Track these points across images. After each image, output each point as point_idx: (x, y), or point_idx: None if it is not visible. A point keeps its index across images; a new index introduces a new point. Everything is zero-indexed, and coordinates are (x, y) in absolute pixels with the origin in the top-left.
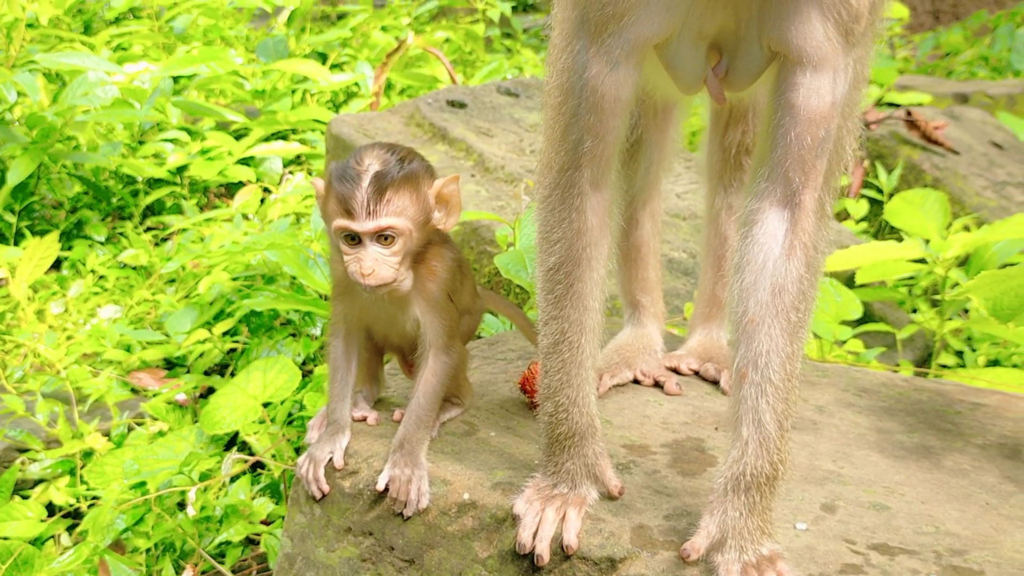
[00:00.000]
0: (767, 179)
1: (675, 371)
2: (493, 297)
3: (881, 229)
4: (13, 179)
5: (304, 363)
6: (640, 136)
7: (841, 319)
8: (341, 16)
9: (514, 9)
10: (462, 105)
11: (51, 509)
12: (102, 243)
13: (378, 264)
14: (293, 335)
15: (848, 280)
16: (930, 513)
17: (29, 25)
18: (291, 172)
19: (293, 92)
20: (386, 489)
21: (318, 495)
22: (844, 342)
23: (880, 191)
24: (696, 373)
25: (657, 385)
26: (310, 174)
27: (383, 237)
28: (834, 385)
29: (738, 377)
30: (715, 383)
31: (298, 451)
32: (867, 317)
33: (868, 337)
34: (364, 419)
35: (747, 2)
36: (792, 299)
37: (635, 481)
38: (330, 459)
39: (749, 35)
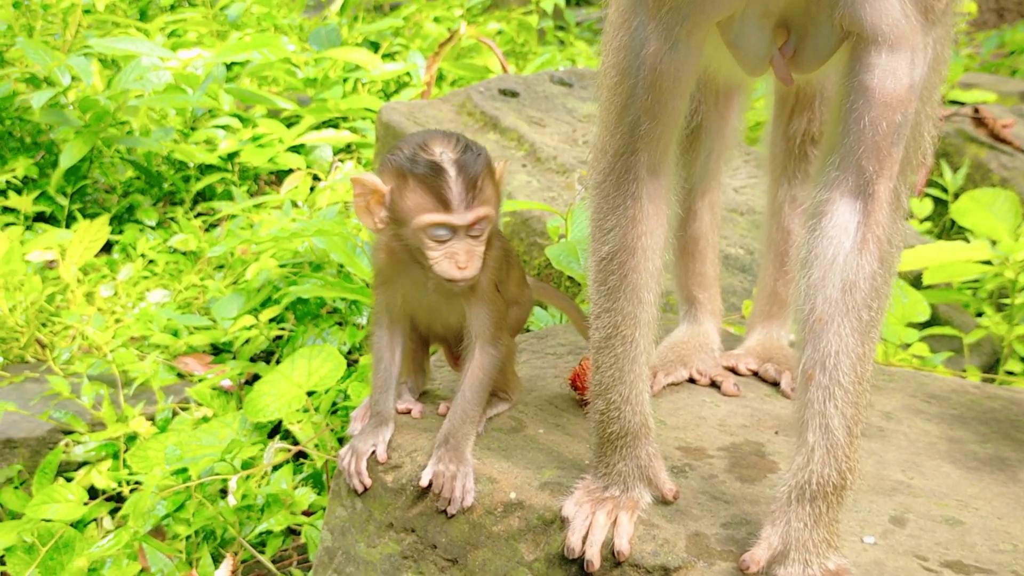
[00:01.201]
0: (838, 168)
1: (733, 371)
2: (544, 288)
3: (945, 229)
4: (66, 162)
5: (349, 352)
6: (700, 122)
7: (907, 321)
8: (394, 7)
9: (567, 2)
10: (514, 94)
11: (93, 492)
12: (152, 227)
13: (471, 255)
14: (339, 324)
15: (913, 281)
16: (1007, 530)
17: (86, 11)
18: (341, 160)
19: (344, 81)
20: (429, 485)
21: (360, 489)
22: (908, 345)
23: (944, 190)
24: (755, 374)
25: (714, 385)
26: (359, 162)
27: (476, 227)
28: (901, 390)
29: (804, 379)
30: (775, 385)
31: (341, 441)
32: (932, 320)
33: (933, 341)
34: (408, 412)
35: None
36: (864, 296)
37: (691, 486)
38: (373, 452)
39: (820, 13)
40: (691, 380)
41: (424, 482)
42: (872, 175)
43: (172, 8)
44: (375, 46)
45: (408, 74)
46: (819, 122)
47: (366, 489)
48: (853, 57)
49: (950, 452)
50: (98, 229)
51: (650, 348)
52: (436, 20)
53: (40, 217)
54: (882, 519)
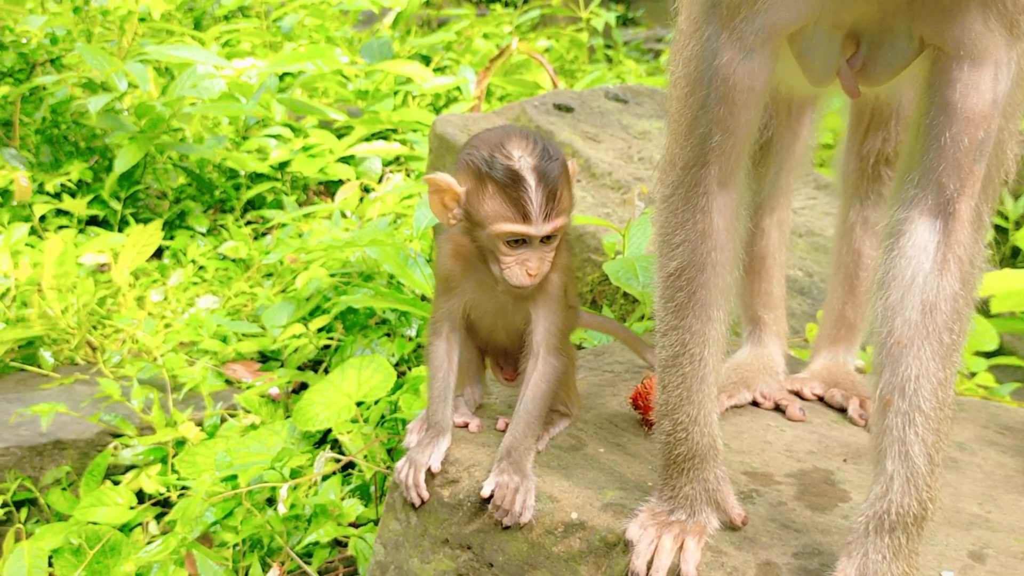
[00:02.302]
0: (917, 185)
1: (798, 395)
2: (587, 316)
3: (1005, 257)
4: (120, 167)
5: (397, 364)
6: (771, 137)
7: (975, 350)
8: (442, 22)
9: (616, 21)
10: (569, 109)
11: (140, 496)
12: (203, 234)
13: (543, 263)
14: (388, 335)
15: (979, 308)
16: None
17: (141, 19)
18: (391, 172)
19: (395, 93)
20: (489, 498)
21: (417, 502)
22: (974, 374)
23: (1005, 217)
24: (820, 399)
25: (778, 409)
26: (408, 175)
27: (549, 237)
28: (973, 421)
29: (882, 405)
30: (842, 411)
31: (390, 452)
32: (998, 349)
33: (997, 371)
34: (466, 425)
35: None
36: (945, 319)
37: (759, 512)
38: (429, 467)
39: (896, 25)
40: (754, 403)
41: (486, 492)
42: (953, 193)
43: (226, 18)
44: (426, 60)
45: (458, 88)
46: (894, 142)
47: (423, 502)
48: (933, 71)
49: None
50: (151, 234)
51: (719, 367)
52: (486, 36)
53: (93, 221)
54: (960, 554)
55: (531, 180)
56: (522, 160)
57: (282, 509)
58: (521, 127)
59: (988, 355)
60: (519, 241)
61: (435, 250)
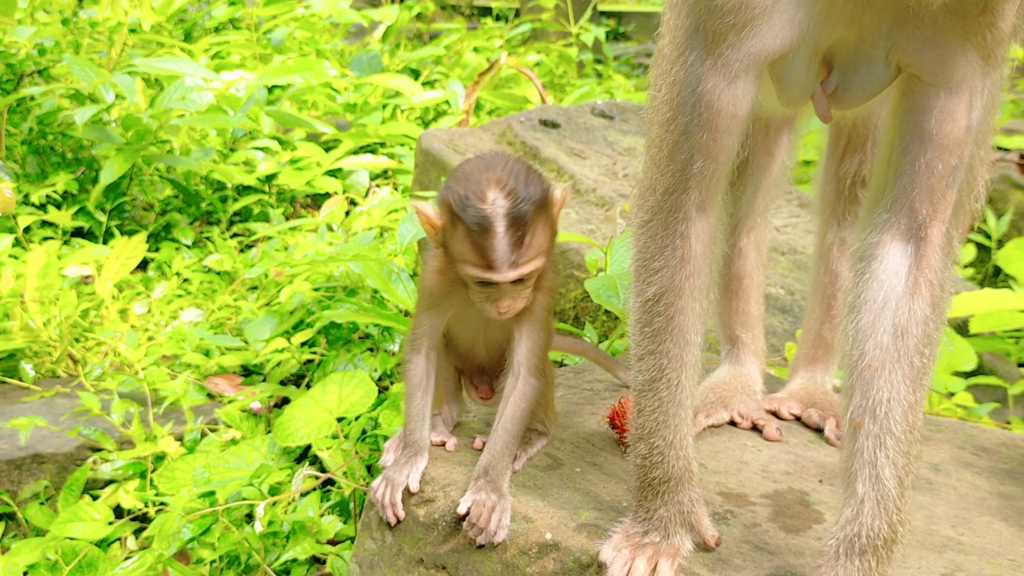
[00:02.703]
0: (890, 210)
1: (775, 415)
2: (558, 339)
3: (988, 276)
4: (106, 178)
5: (380, 379)
6: (747, 157)
7: (953, 369)
8: (434, 36)
9: (607, 37)
10: (555, 125)
11: (119, 511)
12: (188, 246)
13: (514, 301)
14: (371, 350)
15: (958, 328)
16: None
17: (131, 30)
18: (378, 185)
19: (384, 107)
20: (464, 517)
21: (393, 521)
22: (953, 394)
23: (988, 236)
24: (798, 419)
25: (755, 429)
26: (396, 189)
27: (521, 280)
28: (949, 441)
29: (852, 427)
30: (819, 431)
31: (370, 469)
32: (977, 369)
33: (976, 390)
34: (443, 444)
35: (876, 18)
36: (916, 342)
37: (733, 534)
38: (407, 487)
39: (873, 51)
40: (732, 423)
41: (462, 509)
42: (925, 218)
43: (216, 30)
44: (415, 74)
45: (447, 102)
46: (870, 164)
47: (399, 521)
48: (908, 97)
49: (1001, 508)
50: (135, 246)
51: (695, 391)
52: (476, 50)
53: (78, 232)
54: None
55: (499, 228)
56: (494, 204)
57: (259, 527)
58: (506, 159)
59: (967, 375)
60: (486, 284)
61: (420, 265)
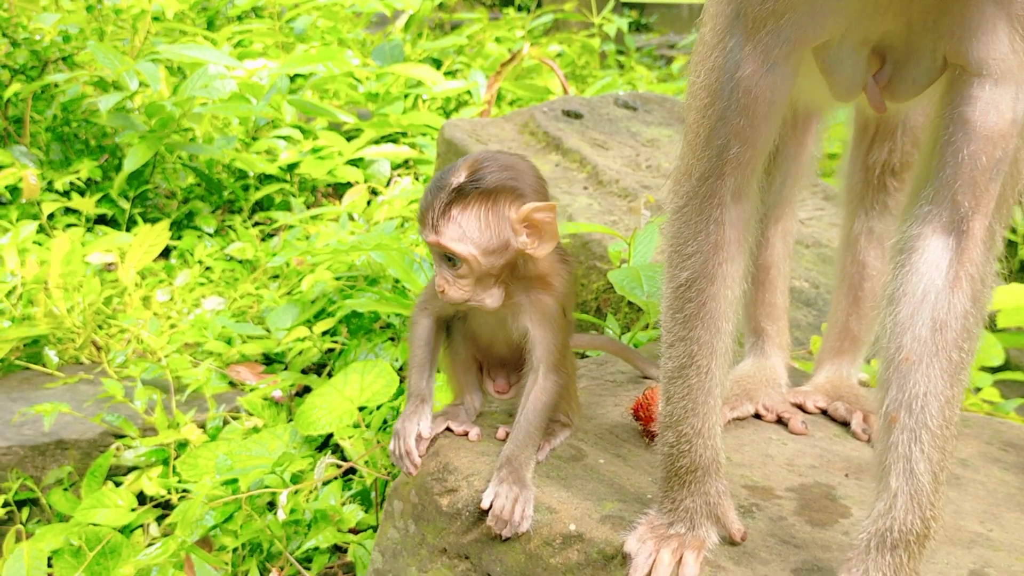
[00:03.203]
0: (931, 202)
1: (800, 408)
2: (578, 337)
3: (1013, 272)
4: (130, 166)
5: (400, 368)
6: (777, 147)
7: (981, 365)
8: (455, 26)
9: (629, 27)
10: (578, 116)
11: (141, 498)
12: (211, 235)
13: (448, 284)
14: (392, 339)
15: (985, 323)
16: None
17: (155, 18)
18: (399, 175)
19: (405, 97)
20: (487, 510)
21: (413, 471)
22: (979, 389)
23: (1015, 231)
24: (824, 412)
25: (780, 422)
26: (417, 178)
27: (447, 258)
28: (977, 437)
29: (887, 421)
30: (845, 424)
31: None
32: (1004, 364)
33: (1003, 386)
34: (465, 434)
35: (924, 8)
36: (955, 337)
37: (758, 527)
38: (418, 433)
39: (922, 43)
40: (757, 416)
41: (486, 503)
42: (968, 211)
43: (239, 19)
44: (437, 63)
45: (469, 92)
46: (900, 153)
47: (418, 470)
48: (953, 88)
49: None
50: (158, 234)
51: (724, 380)
52: (497, 40)
53: (101, 219)
54: (961, 572)
55: (441, 192)
56: (458, 176)
57: (282, 515)
58: (499, 153)
59: (994, 370)
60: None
61: None
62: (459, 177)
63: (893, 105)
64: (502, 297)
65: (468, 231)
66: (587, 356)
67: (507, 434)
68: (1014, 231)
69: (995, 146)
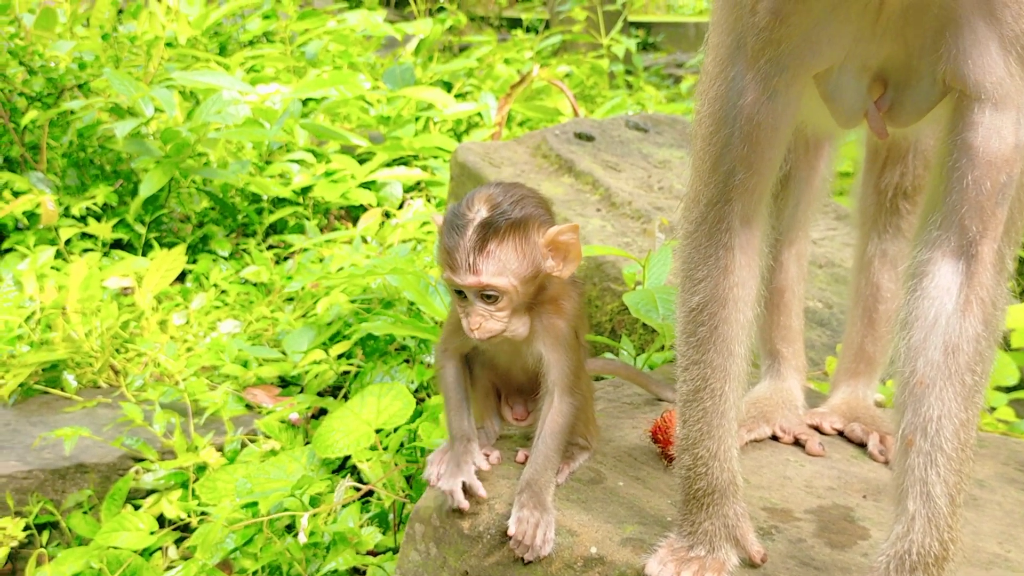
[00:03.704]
0: (940, 227)
1: (817, 430)
2: (590, 362)
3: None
4: (146, 191)
5: (416, 391)
6: (789, 172)
7: (995, 384)
8: (463, 48)
9: (636, 47)
10: (590, 138)
11: (161, 521)
12: (225, 258)
13: (485, 320)
14: (407, 361)
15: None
16: None
17: (168, 44)
18: (411, 197)
19: (417, 119)
20: (508, 534)
21: (466, 506)
22: (993, 409)
23: None
24: (840, 433)
25: (797, 444)
26: (429, 200)
27: (486, 296)
28: (993, 457)
29: (903, 444)
30: (862, 446)
31: (409, 481)
32: (1018, 384)
33: (1018, 405)
34: (487, 456)
35: (919, 33)
36: (968, 360)
37: (778, 549)
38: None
39: (921, 67)
40: (774, 437)
41: (511, 530)
42: (976, 235)
43: (251, 44)
44: (448, 86)
45: (479, 114)
46: (912, 176)
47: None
48: (956, 114)
49: None
50: (175, 258)
51: (739, 403)
52: (507, 62)
53: (117, 244)
54: None
55: (467, 231)
56: (478, 212)
57: (303, 538)
58: (515, 186)
59: (1008, 390)
60: (462, 294)
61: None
62: (481, 213)
63: (895, 130)
64: (529, 324)
65: (507, 264)
66: (603, 379)
67: (527, 457)
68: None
69: (999, 171)
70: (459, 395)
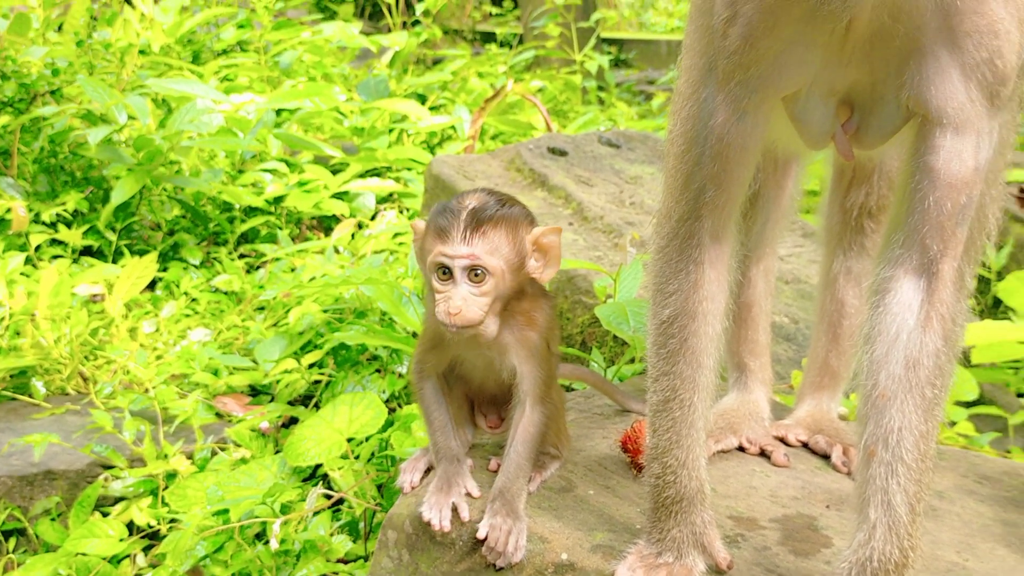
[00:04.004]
0: (902, 246)
1: (782, 441)
2: (562, 367)
3: (987, 308)
4: (117, 198)
5: (388, 400)
6: (758, 190)
7: (956, 399)
8: (437, 61)
9: (609, 63)
10: (563, 153)
11: (129, 528)
12: (196, 266)
13: (466, 303)
14: (379, 371)
15: (959, 359)
16: None
17: (141, 51)
18: (384, 209)
19: (390, 131)
20: (480, 540)
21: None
22: (954, 423)
23: (988, 267)
24: (805, 445)
25: (763, 455)
26: (402, 212)
27: (474, 273)
28: (953, 469)
29: (866, 455)
30: (825, 457)
31: (380, 489)
32: (978, 399)
33: (977, 420)
34: None
35: (884, 59)
36: (928, 373)
37: (744, 556)
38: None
39: (886, 92)
40: (740, 448)
41: (481, 534)
42: (936, 254)
43: (225, 53)
44: (422, 99)
45: (453, 127)
46: (877, 195)
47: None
48: (918, 137)
49: (1005, 535)
50: (146, 266)
51: (708, 413)
52: (480, 75)
53: (87, 251)
54: None
55: (461, 213)
56: (469, 203)
57: (275, 544)
58: (494, 190)
59: (968, 404)
60: (447, 273)
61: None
62: (473, 204)
63: (861, 153)
64: (498, 326)
65: (499, 247)
66: (574, 389)
67: (499, 466)
68: (987, 268)
69: (959, 193)
70: (442, 414)
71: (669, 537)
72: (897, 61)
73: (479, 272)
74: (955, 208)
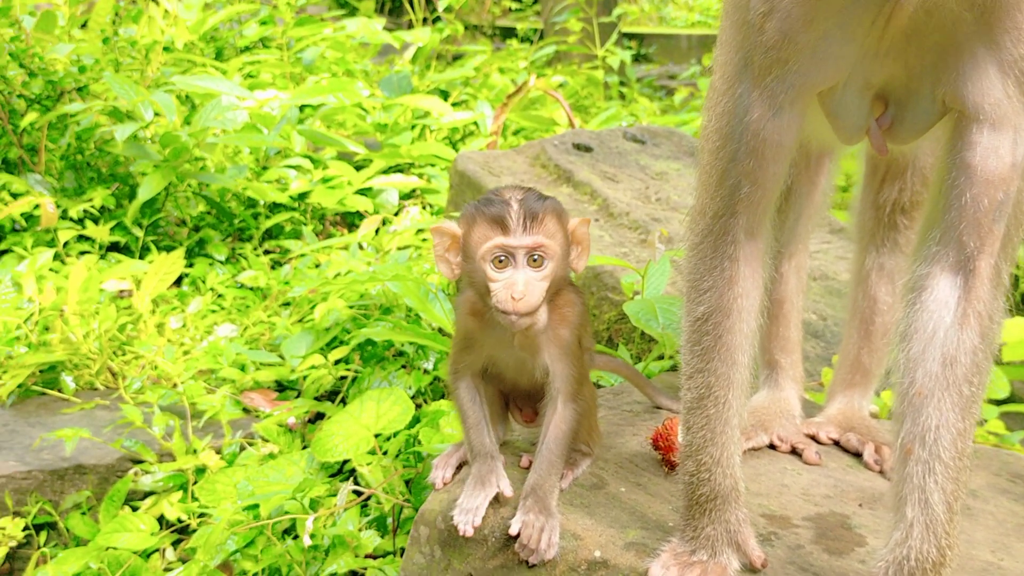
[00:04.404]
0: (939, 243)
1: (813, 439)
2: (598, 358)
3: (1016, 305)
4: (144, 195)
5: (414, 396)
6: (791, 186)
7: (987, 397)
8: (457, 57)
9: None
10: (588, 149)
11: (159, 522)
12: (222, 262)
13: (530, 286)
14: (404, 367)
15: None
16: None
17: (166, 48)
18: (408, 205)
19: (413, 127)
20: (513, 537)
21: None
22: (985, 421)
23: (1017, 265)
24: (836, 443)
25: (794, 452)
26: (425, 208)
27: (533, 258)
28: (985, 468)
29: (902, 453)
30: (857, 455)
31: (409, 485)
32: (1009, 397)
33: (1009, 419)
34: None
35: (920, 54)
36: (965, 371)
37: (778, 555)
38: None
39: (921, 87)
40: (771, 446)
41: (514, 530)
42: (973, 251)
43: (248, 50)
44: (444, 95)
45: (475, 123)
46: (910, 192)
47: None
48: (955, 133)
49: None
50: (173, 262)
51: (742, 410)
52: (501, 71)
53: (114, 247)
54: None
55: (514, 203)
56: (512, 196)
57: (307, 540)
58: (525, 187)
59: (999, 403)
60: (504, 260)
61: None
62: (519, 195)
63: (895, 147)
64: (547, 315)
65: (554, 232)
66: (602, 386)
67: (531, 462)
68: (1017, 265)
69: (996, 189)
70: (477, 412)
71: (703, 535)
72: (934, 56)
73: (537, 257)
74: (992, 204)
